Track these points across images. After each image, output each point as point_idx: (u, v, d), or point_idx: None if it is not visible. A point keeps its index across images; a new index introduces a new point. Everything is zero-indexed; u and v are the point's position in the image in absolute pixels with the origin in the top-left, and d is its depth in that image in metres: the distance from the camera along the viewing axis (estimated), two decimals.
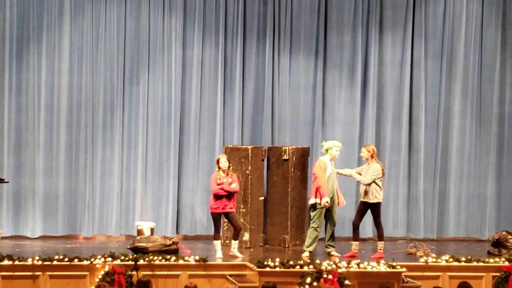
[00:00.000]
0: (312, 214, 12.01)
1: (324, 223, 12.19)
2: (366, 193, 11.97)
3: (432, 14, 14.21)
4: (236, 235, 11.83)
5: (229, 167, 11.77)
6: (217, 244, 11.72)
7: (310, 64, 13.98)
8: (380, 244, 12.06)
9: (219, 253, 11.65)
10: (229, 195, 11.68)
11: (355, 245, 12.10)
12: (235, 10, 13.78)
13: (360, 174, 12.10)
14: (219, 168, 11.74)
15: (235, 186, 11.72)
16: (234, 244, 11.83)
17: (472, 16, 14.26)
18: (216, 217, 11.74)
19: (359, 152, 13.89)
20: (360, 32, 13.98)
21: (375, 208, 12.01)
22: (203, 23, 13.70)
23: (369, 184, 11.90)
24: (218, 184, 11.66)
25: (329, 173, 12.01)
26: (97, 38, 13.48)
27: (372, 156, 12.04)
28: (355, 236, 12.16)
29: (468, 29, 14.26)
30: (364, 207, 12.09)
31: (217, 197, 11.67)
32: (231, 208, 11.71)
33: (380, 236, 12.13)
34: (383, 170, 12.06)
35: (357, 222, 12.15)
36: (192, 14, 13.71)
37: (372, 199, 11.96)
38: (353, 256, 11.87)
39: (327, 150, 12.13)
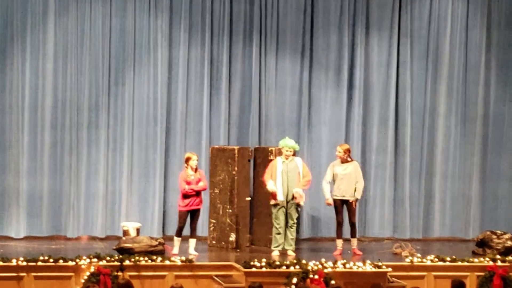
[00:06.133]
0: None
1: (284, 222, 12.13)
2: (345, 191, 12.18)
3: (418, 14, 14.24)
4: (192, 234, 11.92)
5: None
6: (177, 240, 11.85)
7: (296, 64, 13.97)
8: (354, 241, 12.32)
9: (176, 250, 11.79)
10: (198, 193, 11.81)
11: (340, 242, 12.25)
12: (221, 10, 13.75)
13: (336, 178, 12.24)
14: (187, 165, 11.82)
15: (203, 184, 11.87)
16: (192, 242, 11.89)
17: (457, 16, 14.30)
18: (182, 215, 11.87)
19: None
20: (347, 32, 13.99)
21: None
22: (189, 23, 13.66)
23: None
24: (187, 183, 11.74)
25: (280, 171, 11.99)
26: (82, 38, 13.40)
27: (349, 156, 12.21)
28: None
29: (453, 30, 14.30)
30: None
31: (185, 196, 11.79)
32: (197, 204, 11.84)
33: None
34: None
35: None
36: (178, 14, 13.66)
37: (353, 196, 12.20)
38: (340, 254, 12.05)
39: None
